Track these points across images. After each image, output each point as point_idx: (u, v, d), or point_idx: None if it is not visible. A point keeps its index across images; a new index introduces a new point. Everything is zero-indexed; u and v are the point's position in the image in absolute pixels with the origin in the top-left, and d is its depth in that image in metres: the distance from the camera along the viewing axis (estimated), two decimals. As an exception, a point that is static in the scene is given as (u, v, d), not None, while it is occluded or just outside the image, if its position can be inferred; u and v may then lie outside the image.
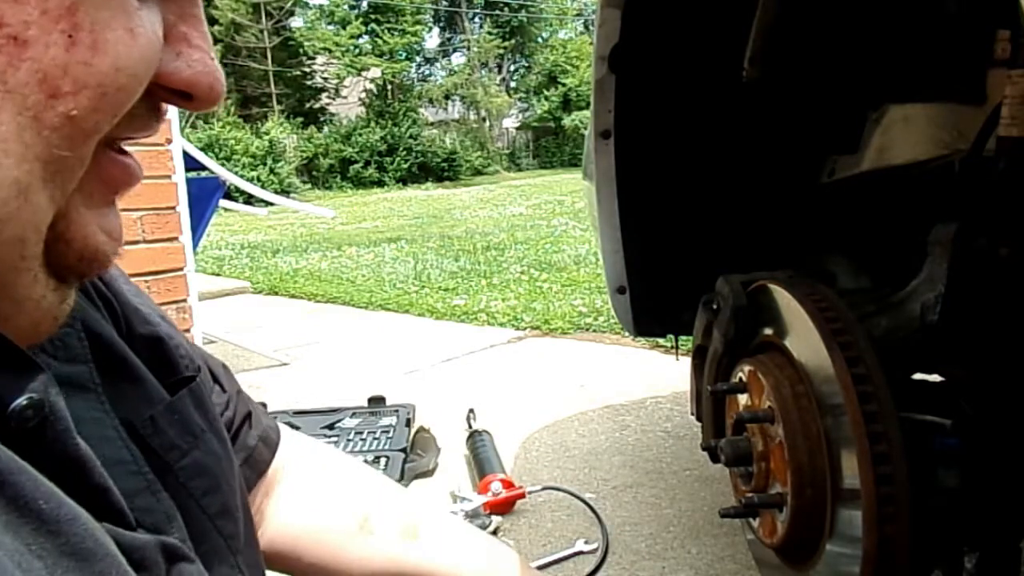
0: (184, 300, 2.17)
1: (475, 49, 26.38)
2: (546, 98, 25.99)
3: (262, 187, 5.43)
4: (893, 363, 0.91)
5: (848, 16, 1.15)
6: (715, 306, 1.17)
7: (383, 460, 1.83)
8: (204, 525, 0.41)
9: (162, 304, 2.16)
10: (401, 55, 24.18)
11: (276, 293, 5.01)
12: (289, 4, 23.35)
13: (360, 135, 21.64)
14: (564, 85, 25.54)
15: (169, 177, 2.10)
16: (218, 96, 0.32)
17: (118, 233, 0.33)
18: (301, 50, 23.68)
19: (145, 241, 2.06)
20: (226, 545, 0.42)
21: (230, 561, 0.43)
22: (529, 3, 27.68)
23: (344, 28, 23.41)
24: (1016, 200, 0.90)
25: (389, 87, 23.90)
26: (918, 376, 1.07)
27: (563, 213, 8.76)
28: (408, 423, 2.08)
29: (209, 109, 0.33)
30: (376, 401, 2.26)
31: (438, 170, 22.12)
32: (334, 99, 25.27)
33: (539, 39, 28.47)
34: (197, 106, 0.32)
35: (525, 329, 3.45)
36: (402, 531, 0.61)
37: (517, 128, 27.51)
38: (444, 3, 26.81)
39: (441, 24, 28.33)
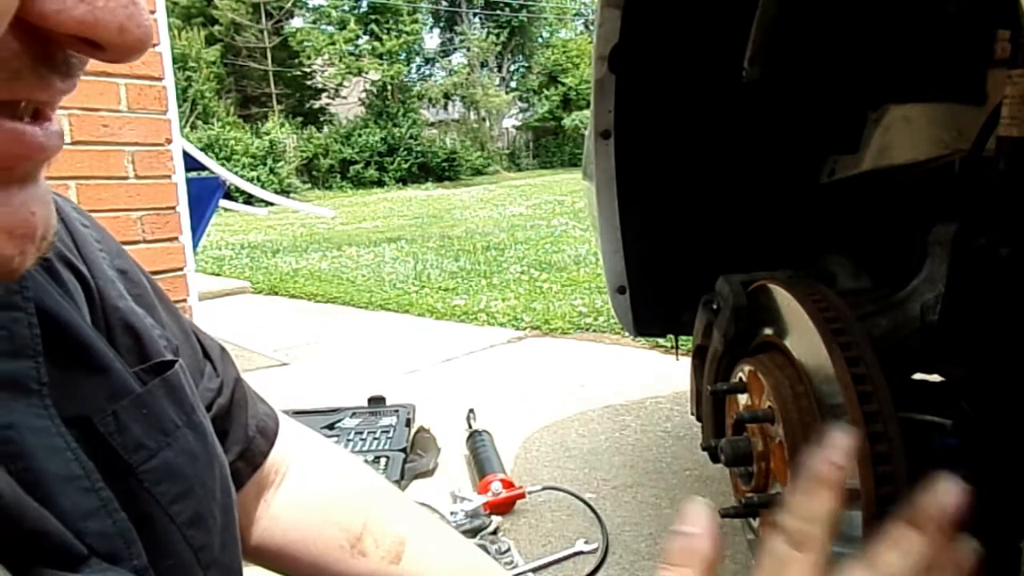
0: (184, 300, 2.18)
1: (475, 49, 26.37)
2: (546, 98, 26.00)
3: (262, 187, 5.44)
4: (893, 363, 0.91)
5: (848, 16, 1.15)
6: (715, 306, 1.17)
7: (383, 460, 1.82)
8: (171, 536, 0.36)
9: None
10: (400, 56, 24.17)
11: (276, 293, 5.01)
12: (289, 4, 23.35)
13: (360, 135, 21.67)
14: (564, 85, 25.54)
15: (169, 177, 2.11)
16: (134, 42, 0.23)
17: (26, 228, 0.24)
18: (301, 52, 23.70)
19: (145, 241, 2.06)
20: (195, 558, 0.38)
21: None
22: (529, 3, 27.67)
23: (342, 30, 23.41)
24: (1016, 200, 0.90)
25: (389, 87, 23.90)
26: (918, 376, 1.07)
27: (563, 213, 8.76)
28: (408, 423, 2.08)
29: (127, 60, 0.24)
30: (376, 401, 2.26)
31: (438, 170, 22.14)
32: (334, 99, 25.28)
33: (539, 39, 28.47)
34: (110, 56, 0.23)
35: (525, 329, 3.45)
36: (389, 553, 0.58)
37: (517, 128, 27.50)
38: (444, 3, 26.81)
39: (441, 24, 28.34)
